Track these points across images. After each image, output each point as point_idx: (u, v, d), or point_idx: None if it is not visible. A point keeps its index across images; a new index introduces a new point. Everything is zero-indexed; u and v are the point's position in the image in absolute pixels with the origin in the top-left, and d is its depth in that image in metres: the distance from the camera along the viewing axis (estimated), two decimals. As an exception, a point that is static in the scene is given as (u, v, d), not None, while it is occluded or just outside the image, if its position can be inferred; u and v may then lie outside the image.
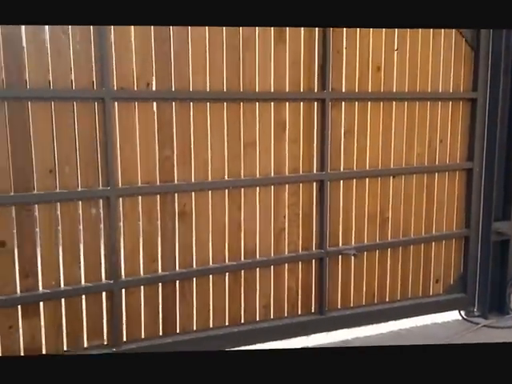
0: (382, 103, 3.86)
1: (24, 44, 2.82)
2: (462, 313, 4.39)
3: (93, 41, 2.96)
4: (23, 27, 2.78)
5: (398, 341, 3.90)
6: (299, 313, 3.80)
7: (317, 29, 3.53)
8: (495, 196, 4.28)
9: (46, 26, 2.81)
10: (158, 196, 3.25)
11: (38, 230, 2.98)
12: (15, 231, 2.93)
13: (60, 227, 3.03)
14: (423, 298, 4.26)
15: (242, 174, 3.46)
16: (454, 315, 4.38)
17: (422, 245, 4.20)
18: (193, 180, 3.32)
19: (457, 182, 4.26)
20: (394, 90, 3.89)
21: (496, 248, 4.36)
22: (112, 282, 3.16)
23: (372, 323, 4.06)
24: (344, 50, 3.65)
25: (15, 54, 2.81)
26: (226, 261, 3.50)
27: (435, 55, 3.99)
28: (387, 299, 4.12)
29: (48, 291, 3.03)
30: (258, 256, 3.59)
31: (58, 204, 3.01)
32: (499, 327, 4.19)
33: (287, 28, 3.43)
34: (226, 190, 3.44)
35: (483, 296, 4.39)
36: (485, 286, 4.39)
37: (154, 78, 3.14)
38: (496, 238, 4.33)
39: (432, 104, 4.05)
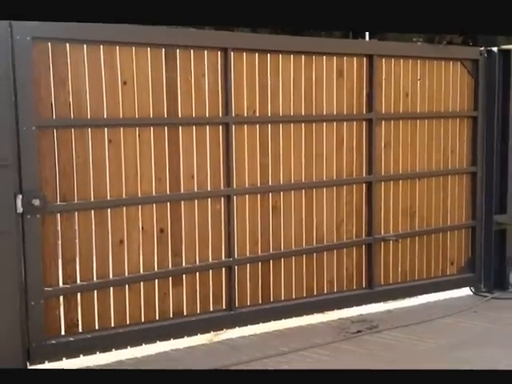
0: (409, 121, 6.10)
1: (178, 87, 4.85)
2: (472, 289, 6.64)
3: (220, 82, 5.02)
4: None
5: (429, 311, 6.05)
6: (354, 287, 5.93)
7: (364, 67, 5.73)
8: (494, 194, 6.59)
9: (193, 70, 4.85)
10: (259, 195, 5.33)
11: (183, 220, 4.96)
12: (169, 221, 4.92)
13: (196, 218, 5.03)
14: (442, 277, 6.48)
15: (314, 178, 5.58)
16: (466, 291, 6.63)
17: (441, 233, 6.44)
18: (281, 182, 5.41)
19: (464, 183, 6.55)
20: (418, 111, 6.14)
21: (496, 236, 6.65)
22: (231, 259, 5.17)
23: (406, 297, 6.25)
24: (383, 82, 5.87)
25: (174, 94, 4.83)
26: (303, 245, 5.59)
27: (446, 83, 6.29)
28: (416, 277, 6.31)
29: (190, 266, 5.02)
30: (325, 242, 5.70)
31: (196, 200, 5.02)
32: (503, 298, 6.47)
33: (345, 67, 5.62)
34: (303, 190, 5.55)
35: (488, 275, 6.68)
36: (489, 266, 6.67)
37: (257, 106, 5.23)
38: (496, 227, 6.63)
39: (445, 121, 6.34)
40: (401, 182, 6.13)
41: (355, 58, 5.71)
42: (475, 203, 6.58)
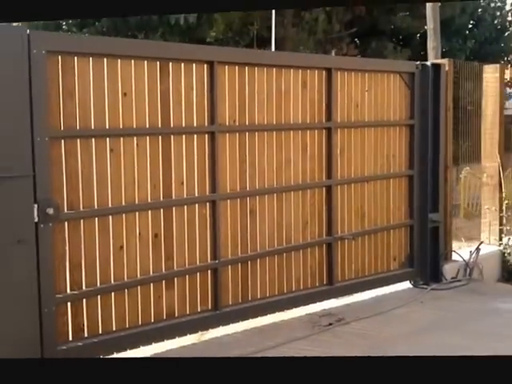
0: (359, 129, 6.80)
1: (171, 98, 5.22)
2: (412, 282, 7.45)
3: (206, 93, 5.44)
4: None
5: (381, 303, 6.77)
6: (317, 284, 6.52)
7: (324, 79, 6.35)
8: (428, 194, 7.45)
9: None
10: (238, 199, 5.78)
11: (174, 225, 5.32)
12: (162, 227, 5.26)
13: (186, 223, 5.41)
14: (387, 272, 7.24)
15: (284, 183, 6.12)
16: (406, 284, 7.43)
17: (385, 232, 7.19)
18: (257, 187, 5.90)
19: (403, 185, 7.35)
20: (366, 120, 6.86)
21: (431, 233, 7.51)
22: (217, 261, 5.59)
23: (359, 291, 6.93)
24: (339, 93, 6.52)
25: (167, 105, 5.19)
26: (275, 246, 6.10)
27: (388, 94, 7.06)
28: (366, 273, 7.01)
29: (181, 269, 5.38)
30: (292, 242, 6.25)
31: (185, 206, 5.40)
32: (440, 289, 7.33)
33: (308, 79, 6.21)
34: (275, 194, 6.07)
35: (424, 269, 7.51)
36: (425, 261, 7.51)
37: (237, 117, 5.69)
38: (431, 225, 7.48)
39: (387, 128, 7.11)
40: (353, 185, 6.81)
41: (316, 71, 6.32)
42: (412, 203, 7.40)
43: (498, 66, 8.57)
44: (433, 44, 9.28)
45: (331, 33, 14.85)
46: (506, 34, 21.98)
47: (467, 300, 7.10)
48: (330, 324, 6.06)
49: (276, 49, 14.18)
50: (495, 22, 21.76)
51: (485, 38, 20.88)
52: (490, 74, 8.44)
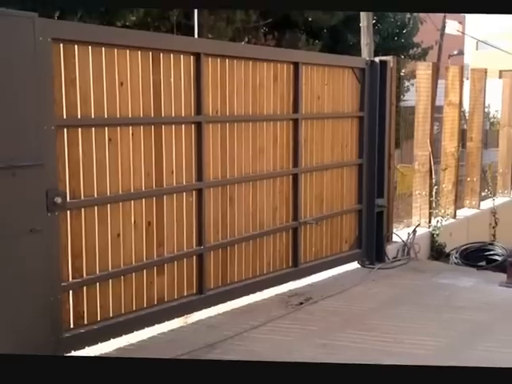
0: (320, 121, 6.86)
1: (162, 88, 5.05)
2: (360, 262, 7.62)
3: (192, 84, 5.31)
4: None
5: (339, 282, 6.90)
6: (284, 266, 6.55)
7: (292, 73, 6.35)
8: (376, 181, 7.63)
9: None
10: (220, 188, 5.70)
11: (165, 213, 5.18)
12: (155, 215, 5.10)
13: (175, 211, 5.27)
14: (340, 254, 7.38)
15: (258, 171, 6.08)
16: (355, 265, 7.60)
17: (339, 217, 7.31)
18: (235, 175, 5.83)
19: (354, 173, 7.49)
20: (325, 111, 6.92)
21: (377, 217, 7.70)
22: (202, 247, 5.49)
23: (318, 272, 7.02)
24: (303, 87, 6.54)
25: (158, 95, 5.01)
26: (251, 231, 6.07)
27: (343, 87, 7.15)
28: (323, 255, 7.11)
29: (171, 255, 5.25)
30: (265, 227, 6.24)
31: (175, 195, 5.26)
32: (386, 268, 7.56)
33: (279, 73, 6.19)
34: (250, 183, 6.03)
35: (370, 250, 7.71)
36: (371, 243, 7.71)
37: (219, 108, 5.59)
38: (377, 209, 7.68)
39: (342, 120, 7.21)
40: (314, 173, 6.88)
41: (285, 65, 6.31)
42: (361, 190, 7.56)
43: (430, 63, 8.87)
44: (366, 40, 9.48)
45: (249, 22, 14.76)
46: (405, 30, 22.77)
47: (412, 277, 7.35)
48: (301, 303, 6.11)
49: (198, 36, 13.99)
50: (396, 18, 22.43)
51: (387, 34, 21.56)
52: (423, 71, 8.72)
